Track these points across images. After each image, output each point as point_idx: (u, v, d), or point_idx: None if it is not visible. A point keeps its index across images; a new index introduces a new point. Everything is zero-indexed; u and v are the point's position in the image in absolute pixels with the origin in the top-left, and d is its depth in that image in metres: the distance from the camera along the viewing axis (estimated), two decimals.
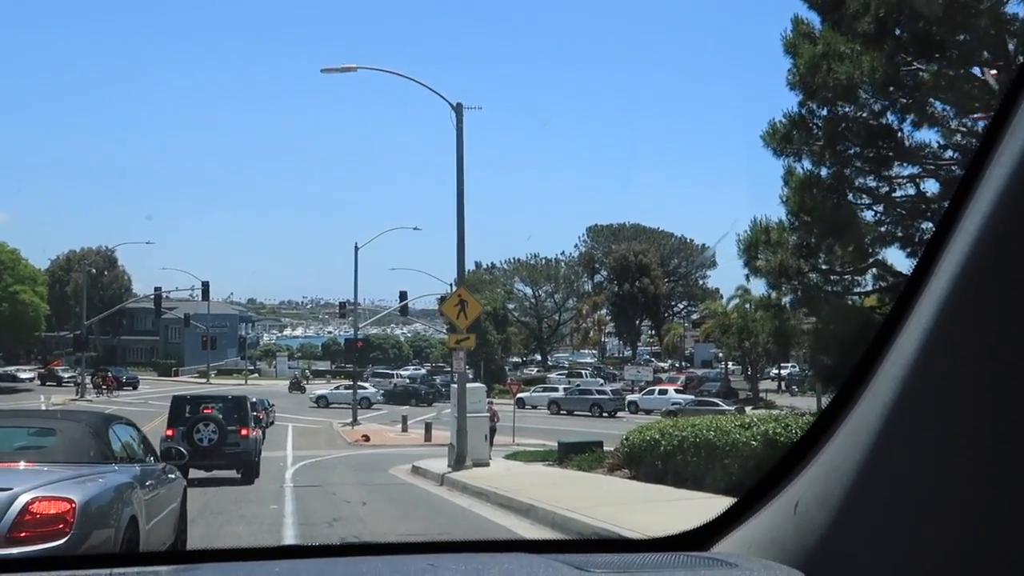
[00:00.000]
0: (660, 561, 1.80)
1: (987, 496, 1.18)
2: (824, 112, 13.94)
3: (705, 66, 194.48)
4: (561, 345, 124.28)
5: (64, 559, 2.58)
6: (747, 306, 65.05)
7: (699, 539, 1.93)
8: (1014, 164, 1.15)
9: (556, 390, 63.14)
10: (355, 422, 46.35)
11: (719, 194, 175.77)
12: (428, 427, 39.57)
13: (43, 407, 46.90)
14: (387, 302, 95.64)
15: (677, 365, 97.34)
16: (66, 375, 72.37)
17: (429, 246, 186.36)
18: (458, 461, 21.35)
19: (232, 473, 20.02)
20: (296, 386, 72.76)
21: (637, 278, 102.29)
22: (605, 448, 20.83)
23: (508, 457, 25.17)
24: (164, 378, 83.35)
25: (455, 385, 22.99)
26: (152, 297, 68.45)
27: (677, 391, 63.62)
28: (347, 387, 54.87)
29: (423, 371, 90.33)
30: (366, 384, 61.29)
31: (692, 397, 60.85)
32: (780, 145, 14.30)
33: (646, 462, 15.92)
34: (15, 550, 5.97)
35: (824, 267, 14.36)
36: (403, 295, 60.59)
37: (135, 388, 70.77)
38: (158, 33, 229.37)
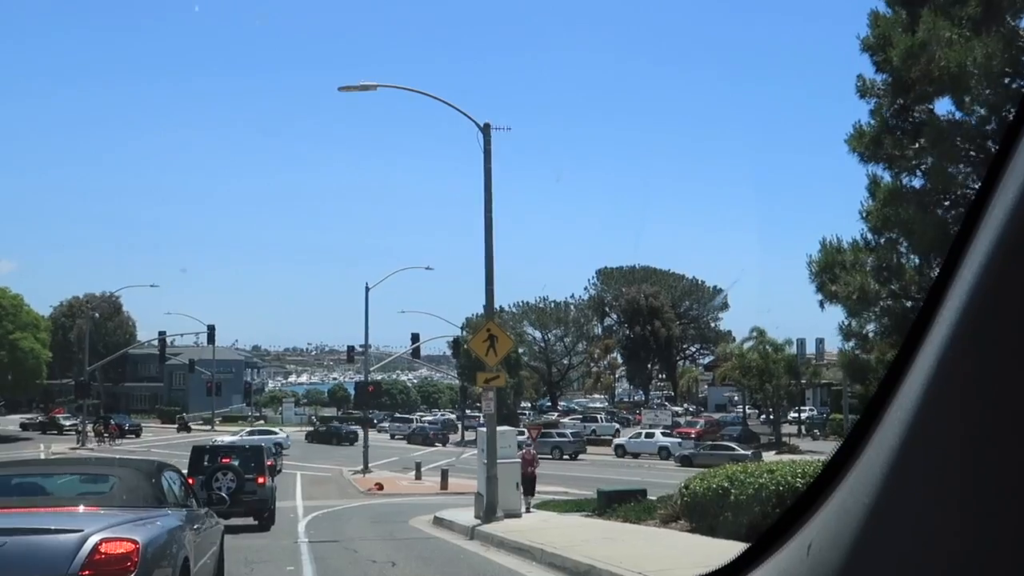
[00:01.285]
0: None
1: (995, 543, 1.19)
2: (923, 109, 12.28)
3: (715, 113, 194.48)
4: (570, 390, 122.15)
5: None
6: (764, 347, 63.59)
7: None
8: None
9: (564, 435, 60.64)
10: (366, 469, 44.58)
11: (727, 238, 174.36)
12: (444, 475, 37.64)
13: (41, 456, 45.35)
14: (393, 348, 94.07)
15: (691, 409, 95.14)
16: (67, 423, 70.63)
17: (438, 290, 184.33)
18: (488, 512, 19.47)
19: (249, 520, 20.35)
20: (184, 427, 74.15)
21: (648, 321, 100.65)
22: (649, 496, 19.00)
23: (538, 507, 23.20)
24: (168, 425, 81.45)
25: (482, 429, 21.21)
26: (156, 342, 66.50)
27: (664, 434, 61.56)
28: (250, 434, 52.35)
29: (442, 416, 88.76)
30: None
31: (678, 440, 58.67)
32: (868, 150, 12.64)
33: (710, 513, 14.06)
34: None
35: (914, 291, 12.60)
36: (415, 337, 58.97)
37: (138, 436, 69.14)
38: (157, 75, 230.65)
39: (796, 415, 71.55)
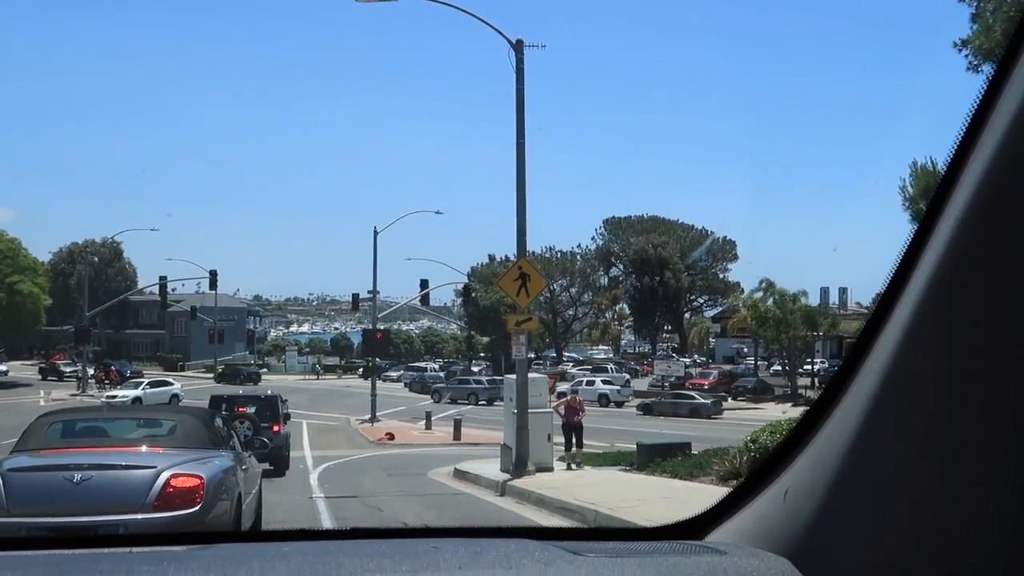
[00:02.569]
0: (653, 548, 1.81)
1: (962, 488, 1.24)
2: None
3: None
4: (573, 341, 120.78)
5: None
6: (780, 297, 62.05)
7: (694, 528, 1.95)
8: (992, 157, 1.18)
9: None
10: (374, 418, 43.18)
11: (728, 184, 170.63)
12: (457, 424, 36.20)
13: (41, 403, 44.08)
14: (396, 298, 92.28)
15: (699, 360, 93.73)
16: (67, 369, 69.22)
17: (443, 239, 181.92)
18: (518, 465, 17.94)
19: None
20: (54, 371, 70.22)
21: (657, 271, 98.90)
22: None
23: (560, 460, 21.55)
24: (170, 373, 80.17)
25: (510, 376, 19.60)
26: (157, 288, 64.74)
27: (605, 382, 61.54)
28: (152, 384, 51.81)
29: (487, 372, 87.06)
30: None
31: (618, 388, 58.58)
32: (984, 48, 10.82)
33: None
34: (161, 514, 7.38)
35: None
36: (424, 283, 57.16)
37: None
38: (164, 22, 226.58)
39: (809, 366, 70.10)
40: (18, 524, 7.00)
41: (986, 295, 1.18)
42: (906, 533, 1.33)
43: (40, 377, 69.59)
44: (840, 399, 1.52)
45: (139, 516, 7.34)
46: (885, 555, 1.36)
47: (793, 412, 35.05)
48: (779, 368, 71.52)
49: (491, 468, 19.71)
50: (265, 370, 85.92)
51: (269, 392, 26.83)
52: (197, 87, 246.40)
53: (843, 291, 59.91)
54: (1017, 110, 1.13)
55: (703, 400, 50.73)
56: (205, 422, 9.65)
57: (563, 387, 45.97)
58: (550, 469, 18.57)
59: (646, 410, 50.22)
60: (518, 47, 18.29)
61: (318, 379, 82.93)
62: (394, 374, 77.93)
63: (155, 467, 7.69)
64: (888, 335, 1.37)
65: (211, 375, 75.61)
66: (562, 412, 20.99)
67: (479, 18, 18.95)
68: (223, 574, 1.47)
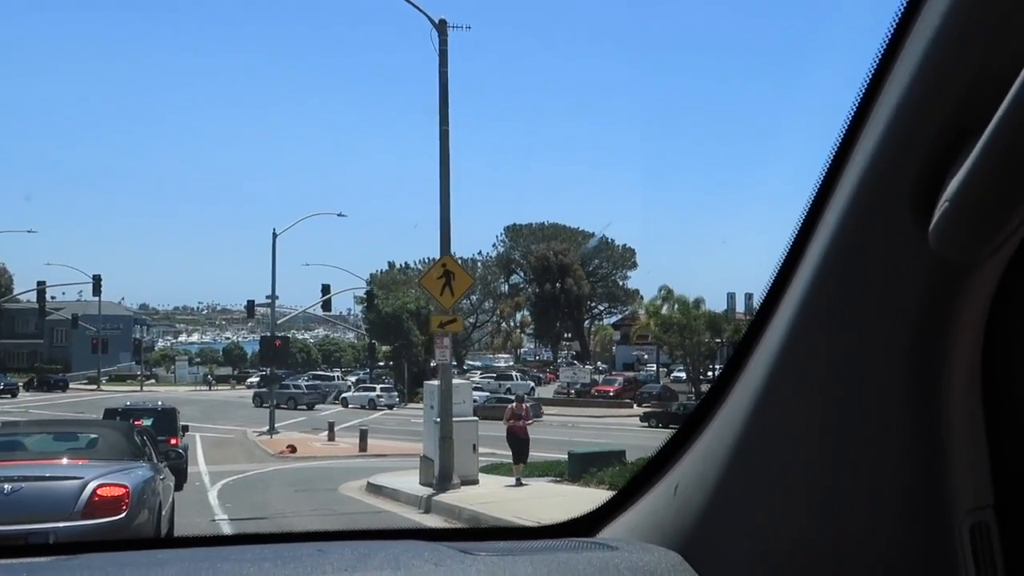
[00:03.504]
0: (544, 546, 1.79)
1: (847, 479, 1.28)
2: None
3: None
4: (473, 349, 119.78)
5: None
6: (674, 305, 62.49)
7: (586, 526, 1.95)
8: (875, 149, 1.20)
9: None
10: (273, 430, 41.05)
11: (625, 191, 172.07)
12: (363, 435, 34.54)
13: None
14: (291, 307, 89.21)
15: (600, 367, 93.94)
16: None
17: (342, 243, 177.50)
18: (442, 479, 16.59)
19: None
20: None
21: (559, 278, 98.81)
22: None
23: (484, 470, 20.23)
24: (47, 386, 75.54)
25: (433, 382, 18.25)
26: (35, 294, 60.66)
27: (383, 388, 63.51)
28: None
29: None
30: None
31: (390, 393, 60.40)
32: None
33: None
34: (90, 522, 7.94)
35: None
36: (326, 288, 55.09)
37: (14, 396, 63.96)
38: None
39: (712, 372, 70.57)
40: None
41: (870, 284, 1.20)
42: (792, 523, 1.35)
43: None
44: (729, 392, 1.52)
45: (69, 524, 7.84)
46: (772, 545, 1.38)
47: None
48: (679, 375, 72.16)
49: (408, 481, 18.31)
50: (153, 381, 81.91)
51: (164, 404, 25.58)
52: (67, 62, 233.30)
53: (749, 297, 60.29)
54: (902, 95, 1.13)
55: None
56: (125, 435, 10.38)
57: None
58: (475, 482, 17.29)
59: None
60: (441, 27, 16.97)
61: (210, 390, 79.64)
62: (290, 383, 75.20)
63: (82, 478, 8.23)
64: (775, 328, 1.38)
65: (93, 387, 71.59)
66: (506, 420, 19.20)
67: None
68: None
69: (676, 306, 63.27)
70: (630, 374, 79.45)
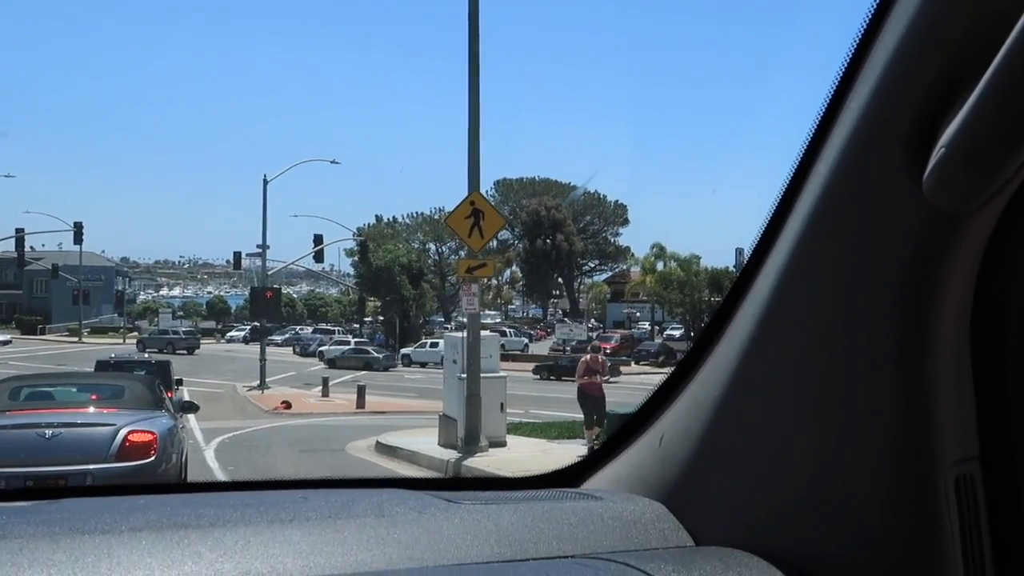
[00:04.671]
0: (528, 496, 1.79)
1: (833, 429, 1.28)
2: None
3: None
4: (460, 305, 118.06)
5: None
6: (667, 262, 61.26)
7: (571, 477, 1.95)
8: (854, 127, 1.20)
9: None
10: (264, 385, 39.48)
11: (617, 144, 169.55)
12: (361, 391, 32.85)
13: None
14: (276, 261, 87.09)
15: (593, 325, 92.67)
16: None
17: (329, 197, 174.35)
18: (469, 440, 14.96)
19: None
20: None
21: (550, 234, 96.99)
22: None
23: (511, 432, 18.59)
24: (29, 336, 73.48)
25: (455, 334, 16.52)
26: (12, 242, 58.23)
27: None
28: None
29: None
30: None
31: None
32: None
33: None
34: (121, 464, 8.77)
35: None
36: (318, 239, 53.08)
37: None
38: None
39: None
40: None
41: (862, 234, 1.20)
42: (776, 474, 1.36)
43: None
44: (716, 343, 1.52)
45: (105, 466, 8.65)
46: (756, 495, 1.39)
47: None
48: (672, 333, 70.97)
49: (425, 442, 16.69)
50: (135, 333, 79.89)
51: (157, 356, 24.35)
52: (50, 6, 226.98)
53: (739, 252, 58.93)
54: (899, 40, 1.12)
55: (376, 354, 55.89)
56: (148, 386, 11.06)
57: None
58: (503, 444, 15.67)
59: (331, 364, 52.45)
60: None
61: None
62: (279, 338, 73.29)
63: (114, 424, 9.15)
64: (764, 277, 1.38)
65: (75, 339, 69.54)
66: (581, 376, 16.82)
67: None
68: (69, 528, 1.39)
69: (675, 263, 61.99)
70: (625, 331, 78.28)
